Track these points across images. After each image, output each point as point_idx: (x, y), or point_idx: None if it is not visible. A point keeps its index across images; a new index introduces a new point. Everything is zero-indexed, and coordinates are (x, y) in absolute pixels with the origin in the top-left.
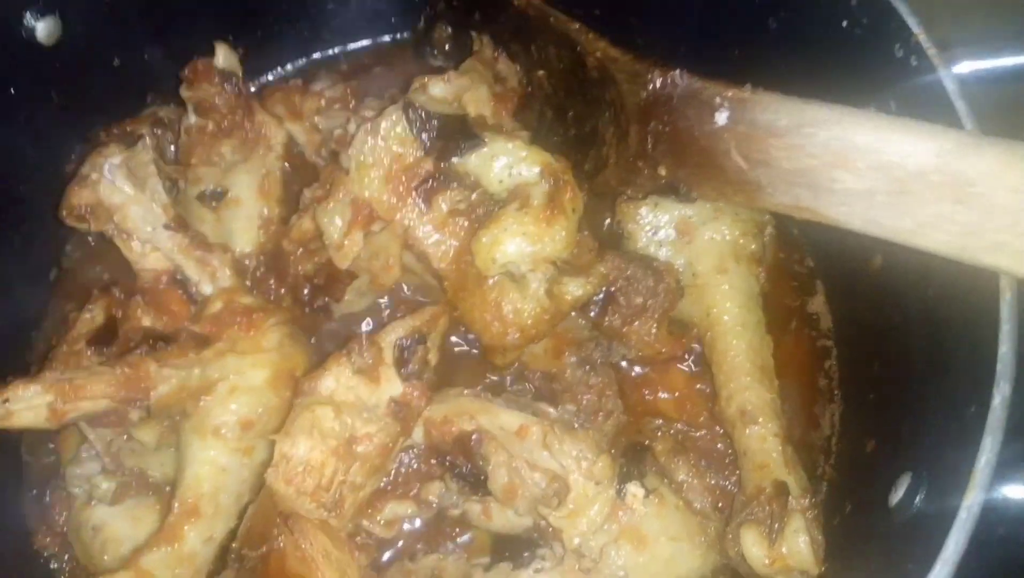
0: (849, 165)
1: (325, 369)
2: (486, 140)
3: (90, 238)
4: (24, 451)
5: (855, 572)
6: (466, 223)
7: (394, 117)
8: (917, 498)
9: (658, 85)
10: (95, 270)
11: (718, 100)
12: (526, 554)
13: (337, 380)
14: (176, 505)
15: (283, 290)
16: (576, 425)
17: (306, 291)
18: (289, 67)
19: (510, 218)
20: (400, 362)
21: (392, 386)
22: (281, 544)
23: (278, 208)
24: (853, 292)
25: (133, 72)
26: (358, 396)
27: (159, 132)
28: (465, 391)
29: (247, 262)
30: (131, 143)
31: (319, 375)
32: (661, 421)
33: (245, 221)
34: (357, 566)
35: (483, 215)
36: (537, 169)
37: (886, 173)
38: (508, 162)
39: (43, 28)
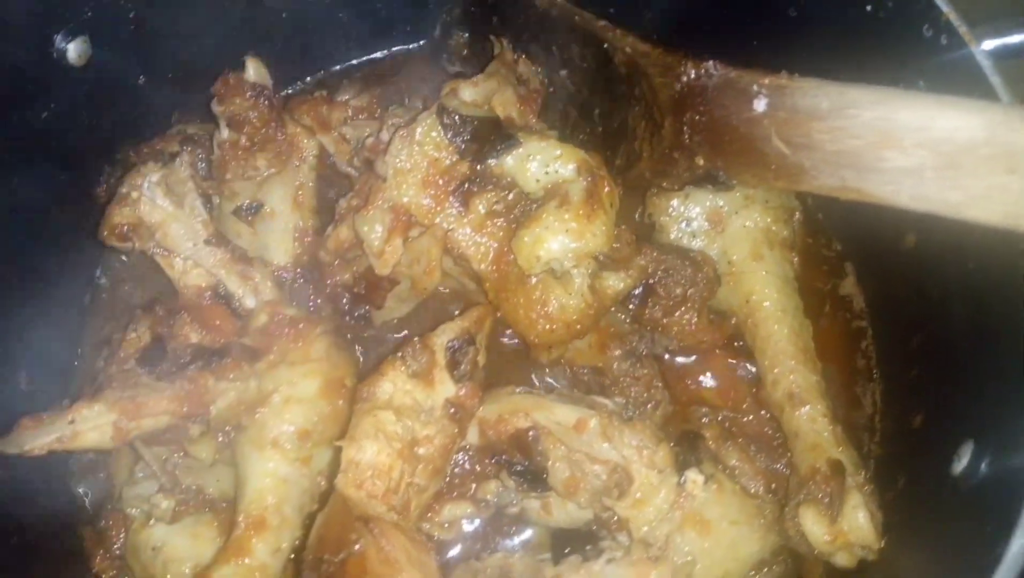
0: (896, 143)
1: (382, 374)
2: (520, 140)
3: (124, 257)
4: (73, 480)
5: (918, 543)
6: (504, 224)
7: (429, 122)
8: (983, 464)
9: (692, 76)
10: (128, 291)
11: (755, 88)
12: (588, 548)
13: (394, 384)
14: (241, 519)
15: (320, 301)
16: (628, 416)
17: (345, 300)
18: (308, 79)
19: (551, 216)
20: (452, 364)
21: (446, 388)
22: (360, 547)
23: (312, 219)
24: (885, 272)
25: (158, 91)
26: (415, 399)
27: (189, 149)
28: (517, 389)
29: (284, 275)
30: (164, 162)
31: (376, 381)
32: (706, 409)
33: (281, 234)
34: (435, 565)
35: (521, 215)
36: (572, 166)
37: (934, 149)
38: (543, 161)
39: (73, 49)
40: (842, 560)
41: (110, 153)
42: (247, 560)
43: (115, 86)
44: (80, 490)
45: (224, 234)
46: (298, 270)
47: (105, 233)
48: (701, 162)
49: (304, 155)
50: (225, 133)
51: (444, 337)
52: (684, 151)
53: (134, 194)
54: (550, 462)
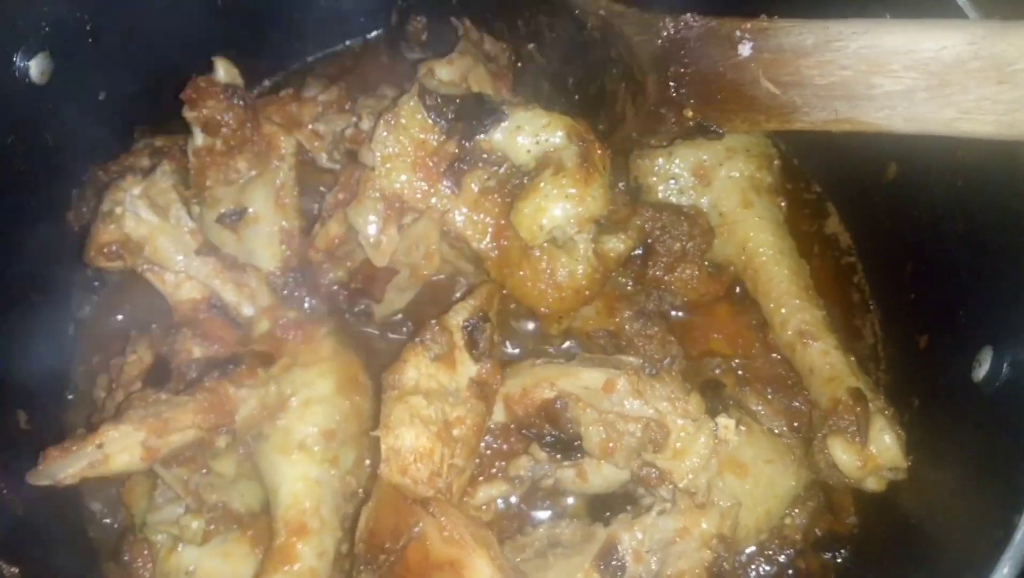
0: (885, 69)
1: (404, 361)
2: (506, 112)
3: (96, 283)
4: (84, 519)
5: (944, 456)
6: (499, 199)
7: (411, 105)
8: (1005, 365)
9: (672, 31)
10: (111, 316)
11: (738, 33)
12: (629, 507)
13: (418, 369)
14: (281, 526)
15: (316, 301)
16: (653, 372)
17: (343, 297)
18: (267, 83)
19: (549, 184)
20: (471, 343)
21: (468, 368)
22: (420, 530)
23: (297, 220)
24: (868, 206)
25: (118, 106)
26: (440, 382)
27: (167, 159)
28: (538, 361)
29: (275, 279)
30: (143, 174)
31: (400, 368)
32: (718, 359)
33: (267, 238)
34: (495, 540)
35: (515, 188)
36: (562, 133)
37: (923, 70)
38: (532, 130)
39: (35, 67)
40: (872, 484)
41: (76, 176)
42: (295, 566)
43: (78, 102)
44: (91, 525)
45: (211, 243)
46: (288, 273)
47: (92, 254)
48: (690, 114)
49: (282, 153)
50: (200, 139)
51: (459, 317)
52: (671, 106)
53: (117, 210)
54: (582, 427)
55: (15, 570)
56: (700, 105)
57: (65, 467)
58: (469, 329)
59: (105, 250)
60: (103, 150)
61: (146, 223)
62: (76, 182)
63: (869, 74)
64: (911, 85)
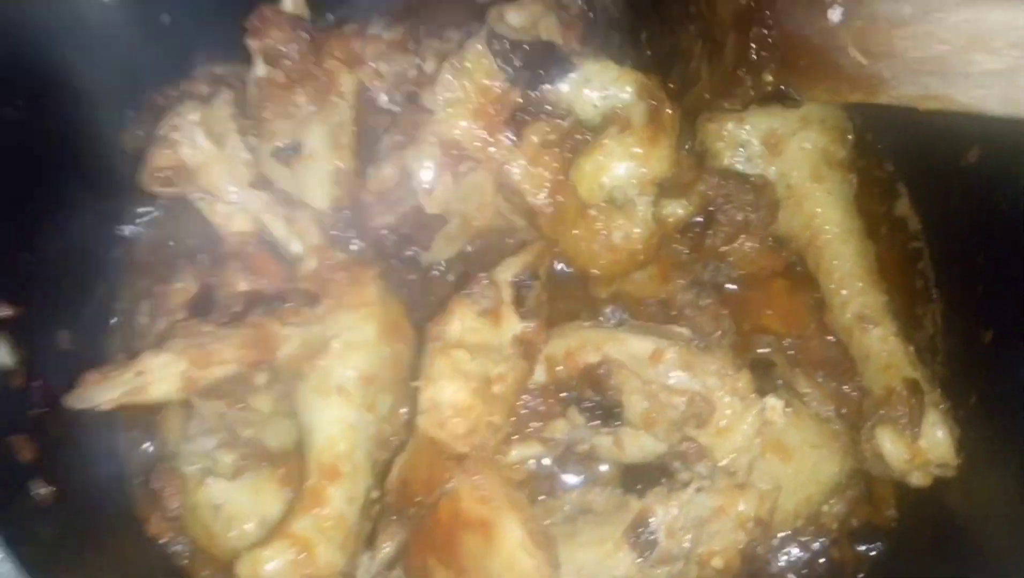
0: (986, 46)
1: (450, 313)
2: (576, 63)
3: (152, 210)
4: (118, 440)
5: (995, 459)
6: (560, 154)
7: (479, 49)
8: None
9: None
10: (160, 243)
11: None
12: (663, 481)
13: (463, 322)
14: (314, 468)
15: (364, 244)
16: (703, 346)
17: (391, 243)
18: (331, 16)
19: (613, 142)
20: (518, 300)
21: (512, 325)
22: (453, 486)
23: (352, 160)
24: (943, 189)
25: (182, 30)
26: (483, 337)
27: (227, 88)
28: (585, 323)
29: (326, 219)
30: (201, 101)
31: (445, 320)
32: (770, 337)
33: (321, 176)
34: (527, 502)
35: (578, 144)
36: (631, 89)
37: None
38: (601, 84)
39: None
40: (918, 479)
41: (134, 97)
42: (325, 510)
43: (141, 24)
44: (125, 450)
45: (265, 176)
46: (339, 213)
47: (146, 178)
48: (770, 79)
49: (343, 91)
50: (261, 69)
51: (508, 272)
52: (750, 69)
53: (174, 135)
54: (624, 395)
55: (51, 489)
56: (781, 70)
57: (103, 392)
58: (518, 285)
59: (159, 175)
60: (162, 74)
61: (202, 150)
62: (133, 104)
63: (968, 50)
64: (1014, 65)
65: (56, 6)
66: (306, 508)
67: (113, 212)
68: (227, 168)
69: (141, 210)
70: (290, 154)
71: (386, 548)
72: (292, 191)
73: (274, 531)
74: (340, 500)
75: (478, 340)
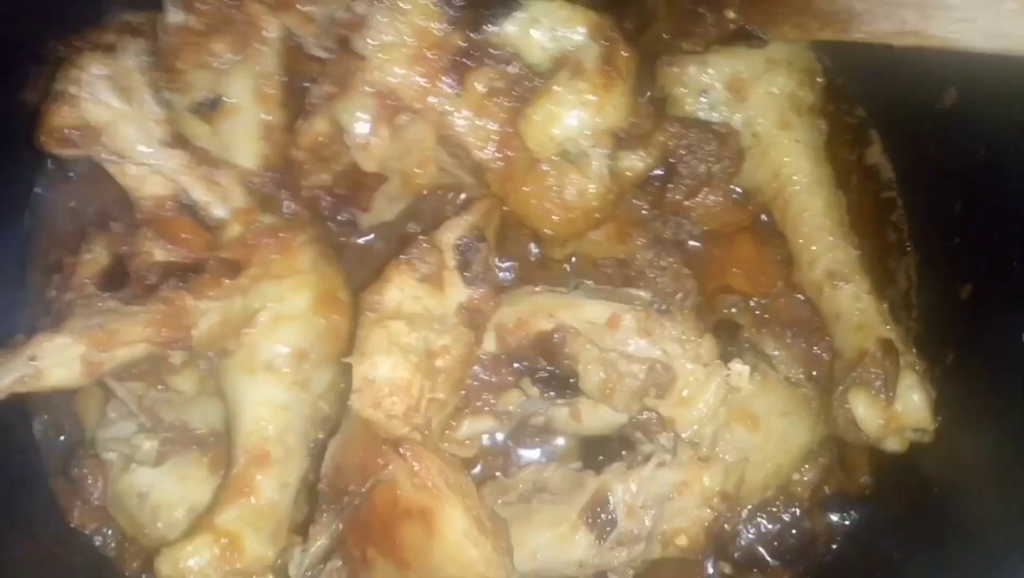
0: None
1: (387, 280)
2: (522, 2)
3: (66, 170)
4: (32, 428)
5: (975, 421)
6: (507, 103)
7: None
8: None
9: None
10: (74, 208)
11: None
12: (624, 453)
13: (402, 291)
14: (240, 454)
15: (297, 207)
16: (663, 309)
17: (326, 204)
18: None
19: (564, 88)
20: (463, 265)
21: (458, 292)
22: (390, 473)
23: (280, 114)
24: (917, 136)
25: None
26: (425, 306)
27: (133, 38)
28: (537, 288)
29: (252, 179)
30: (106, 53)
31: (381, 288)
32: (736, 297)
33: (245, 132)
34: (473, 487)
35: (526, 91)
36: (584, 30)
37: None
38: (549, 25)
39: None
40: (893, 445)
41: (35, 49)
42: (253, 499)
43: None
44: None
45: (182, 134)
46: (267, 173)
47: (43, 138)
48: (732, 16)
49: (266, 37)
50: (174, 15)
51: (451, 234)
52: (711, 5)
53: (73, 90)
54: (580, 365)
55: None
56: (744, 6)
57: None
58: (462, 248)
59: (57, 135)
60: (69, 23)
61: (107, 107)
62: (37, 56)
63: None
64: None
65: None
66: (232, 497)
67: (23, 176)
68: (136, 126)
69: (49, 176)
70: (210, 108)
71: (319, 541)
72: (213, 149)
73: (197, 524)
74: (270, 488)
75: (419, 309)
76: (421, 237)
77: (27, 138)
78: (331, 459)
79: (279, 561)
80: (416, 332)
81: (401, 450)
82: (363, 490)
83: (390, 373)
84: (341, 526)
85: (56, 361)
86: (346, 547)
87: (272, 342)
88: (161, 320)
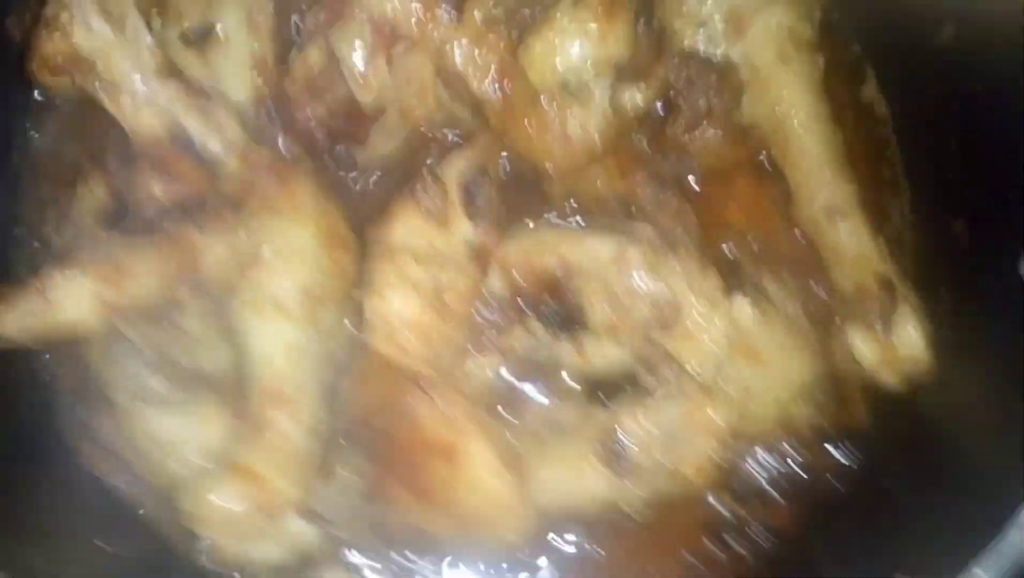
0: None
1: (392, 216)
2: None
3: (55, 102)
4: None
5: (971, 357)
6: (506, 32)
7: None
8: None
9: None
10: (66, 142)
11: None
12: (629, 388)
13: (407, 226)
14: (255, 392)
15: (290, 141)
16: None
17: (321, 138)
18: None
19: (566, 17)
20: (467, 200)
21: (462, 228)
22: (412, 409)
23: (272, 44)
24: (912, 73)
25: None
26: (430, 242)
27: None
28: (540, 225)
29: (245, 112)
30: None
31: (388, 223)
32: (735, 233)
33: (237, 62)
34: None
35: (527, 19)
36: None
37: None
38: None
39: None
40: (890, 379)
41: None
42: (270, 437)
43: None
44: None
45: (175, 64)
46: (260, 105)
47: (35, 67)
48: None
49: None
50: None
51: (455, 169)
52: None
53: (64, 17)
54: (586, 301)
55: None
56: None
57: (9, 321)
58: (466, 184)
59: (50, 64)
60: None
61: (98, 34)
62: None
63: None
64: None
65: None
66: (251, 436)
67: (10, 109)
68: (129, 54)
69: (38, 110)
70: (201, 37)
71: (343, 476)
72: (205, 80)
73: (218, 462)
74: (287, 424)
75: (424, 245)
76: (425, 171)
77: (12, 70)
78: (347, 396)
79: (300, 496)
80: (424, 267)
81: (423, 384)
82: (385, 426)
83: (402, 308)
84: (362, 461)
85: (66, 295)
86: (368, 483)
87: (278, 278)
88: (169, 255)
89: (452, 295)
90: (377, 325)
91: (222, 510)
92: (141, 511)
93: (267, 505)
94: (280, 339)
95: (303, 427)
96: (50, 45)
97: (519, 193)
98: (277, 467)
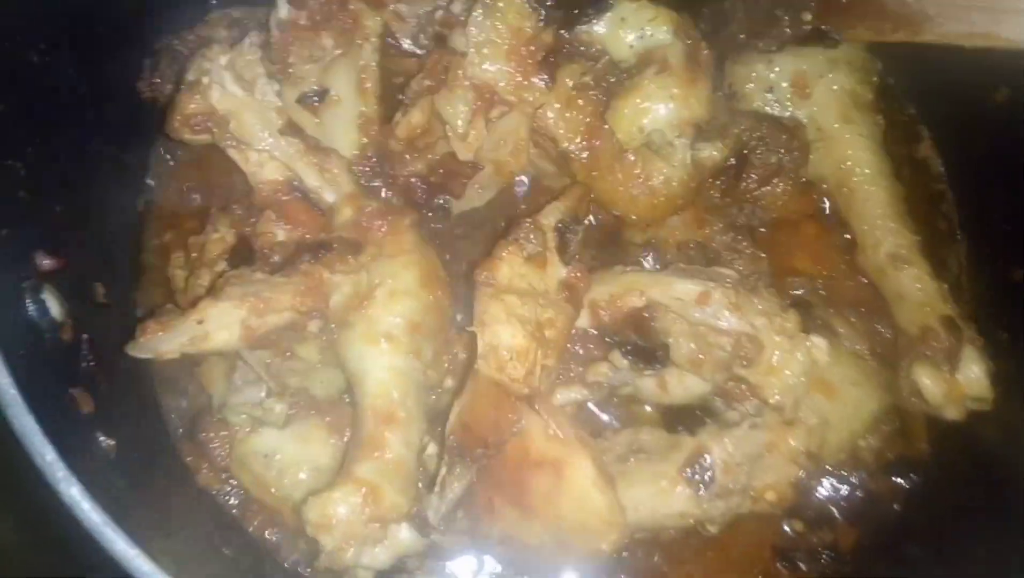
0: None
1: (499, 258)
2: (611, 2)
3: (169, 160)
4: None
5: None
6: (594, 97)
7: None
8: None
9: None
10: (182, 195)
11: None
12: (707, 420)
13: (512, 268)
14: (369, 414)
15: (392, 194)
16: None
17: (421, 191)
18: None
19: (652, 83)
20: (562, 245)
21: (557, 270)
22: (523, 427)
23: (378, 106)
24: (967, 132)
25: None
26: (530, 283)
27: (236, 34)
28: (627, 268)
29: (355, 167)
30: (230, 44)
31: (494, 265)
32: (802, 279)
33: (347, 122)
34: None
35: (612, 86)
36: (668, 29)
37: None
38: (636, 24)
39: None
40: (953, 413)
41: (149, 44)
42: (386, 454)
43: None
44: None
45: (296, 123)
46: (366, 161)
47: (176, 125)
48: (809, 18)
49: (368, 33)
50: (285, 11)
51: (552, 217)
52: (789, 7)
53: (204, 79)
54: (672, 337)
55: (112, 443)
56: (822, 9)
57: (165, 341)
58: (562, 230)
59: (192, 121)
60: (178, 19)
61: (232, 96)
62: (150, 51)
63: None
64: None
65: None
66: (367, 453)
67: (135, 163)
68: (258, 114)
69: (160, 161)
70: (317, 100)
71: (454, 489)
72: (319, 137)
73: (339, 476)
74: (398, 444)
75: (526, 285)
76: (527, 220)
77: (139, 126)
78: (458, 418)
79: (413, 510)
80: (526, 305)
81: (535, 405)
82: (497, 442)
83: (510, 341)
84: (471, 477)
85: (220, 324)
86: (473, 498)
87: (389, 314)
88: (305, 290)
89: (551, 330)
90: (489, 355)
91: (347, 519)
92: (250, 529)
93: (383, 517)
94: (392, 367)
95: (413, 447)
96: (191, 104)
97: (606, 240)
98: (392, 482)
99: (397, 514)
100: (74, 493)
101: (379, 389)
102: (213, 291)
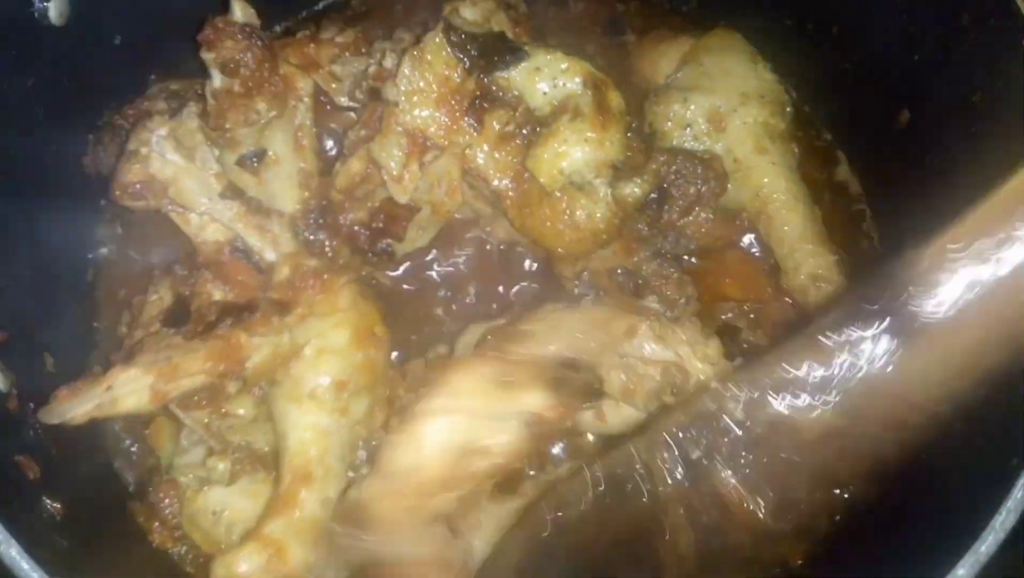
0: None
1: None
2: (528, 52)
3: (118, 229)
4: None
5: None
6: (519, 141)
7: (437, 41)
8: None
9: None
10: (133, 257)
11: None
12: None
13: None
14: (287, 472)
15: (337, 243)
16: (672, 316)
17: (364, 238)
18: (278, 28)
19: (567, 129)
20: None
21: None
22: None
23: (315, 161)
24: (879, 153)
25: (132, 50)
26: (486, 404)
27: (175, 105)
28: (559, 305)
29: (296, 223)
30: (170, 115)
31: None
32: (731, 304)
33: (287, 179)
34: None
35: (531, 132)
36: (579, 79)
37: None
38: (550, 73)
39: (54, 8)
40: None
41: (91, 120)
42: (297, 513)
43: (94, 47)
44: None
45: (236, 186)
46: (309, 215)
47: (117, 193)
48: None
49: (300, 95)
50: (219, 81)
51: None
52: None
53: (143, 150)
54: (603, 371)
55: (57, 506)
56: None
57: (74, 407)
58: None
59: (130, 190)
60: (118, 95)
61: (171, 164)
62: (91, 127)
63: None
64: None
65: (7, 33)
66: (279, 511)
67: (82, 233)
68: (197, 180)
69: (108, 229)
70: (255, 161)
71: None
72: (262, 198)
73: (248, 534)
74: (312, 503)
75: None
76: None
77: (85, 200)
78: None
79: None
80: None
81: None
82: None
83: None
84: None
85: (128, 390)
86: None
87: (315, 374)
88: (219, 354)
89: (481, 463)
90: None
91: (251, 577)
92: None
93: (289, 575)
94: (313, 426)
95: (329, 505)
96: (131, 173)
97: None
98: (301, 539)
99: (304, 570)
100: (13, 554)
101: (298, 448)
102: (126, 355)
